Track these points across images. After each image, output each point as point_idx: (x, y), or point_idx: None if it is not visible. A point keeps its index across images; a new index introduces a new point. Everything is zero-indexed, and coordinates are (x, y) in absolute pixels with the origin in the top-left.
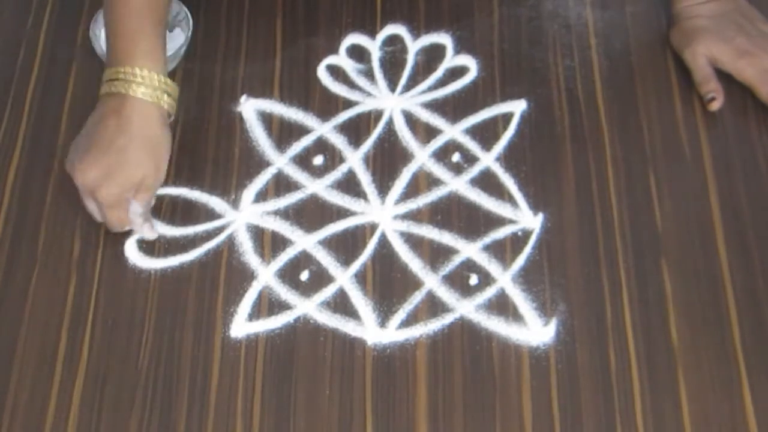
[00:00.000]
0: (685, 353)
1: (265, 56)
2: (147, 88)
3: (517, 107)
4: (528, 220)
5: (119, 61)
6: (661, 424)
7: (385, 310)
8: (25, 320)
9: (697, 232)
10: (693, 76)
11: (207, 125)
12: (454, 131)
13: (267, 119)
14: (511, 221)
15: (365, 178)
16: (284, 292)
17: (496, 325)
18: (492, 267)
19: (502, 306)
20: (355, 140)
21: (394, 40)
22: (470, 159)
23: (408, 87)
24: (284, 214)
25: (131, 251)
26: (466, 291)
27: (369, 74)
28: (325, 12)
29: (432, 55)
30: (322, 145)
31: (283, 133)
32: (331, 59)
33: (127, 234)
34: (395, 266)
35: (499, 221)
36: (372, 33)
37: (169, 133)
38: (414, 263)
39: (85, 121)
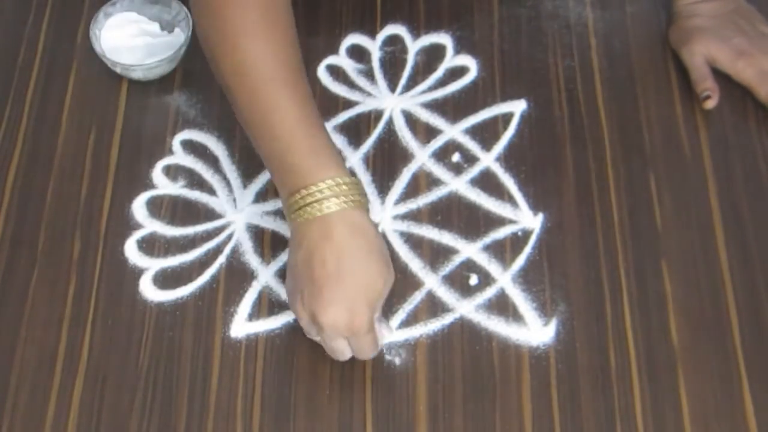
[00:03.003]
0: (685, 353)
1: None
2: (344, 197)
3: (517, 107)
4: (528, 220)
5: (304, 183)
6: (661, 424)
7: (385, 310)
8: (25, 320)
9: (697, 232)
10: (690, 74)
11: (207, 125)
12: (454, 131)
13: None
14: (511, 221)
15: (365, 178)
16: (284, 292)
17: (496, 325)
18: (492, 267)
19: (502, 306)
20: (355, 140)
21: (394, 40)
22: (470, 159)
23: (408, 87)
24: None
25: (131, 251)
26: (466, 291)
27: (369, 74)
28: (325, 12)
29: (432, 55)
30: None
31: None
32: (331, 59)
33: (127, 234)
34: (395, 266)
35: (499, 221)
36: (372, 33)
37: (376, 226)
38: (414, 263)
39: (84, 120)
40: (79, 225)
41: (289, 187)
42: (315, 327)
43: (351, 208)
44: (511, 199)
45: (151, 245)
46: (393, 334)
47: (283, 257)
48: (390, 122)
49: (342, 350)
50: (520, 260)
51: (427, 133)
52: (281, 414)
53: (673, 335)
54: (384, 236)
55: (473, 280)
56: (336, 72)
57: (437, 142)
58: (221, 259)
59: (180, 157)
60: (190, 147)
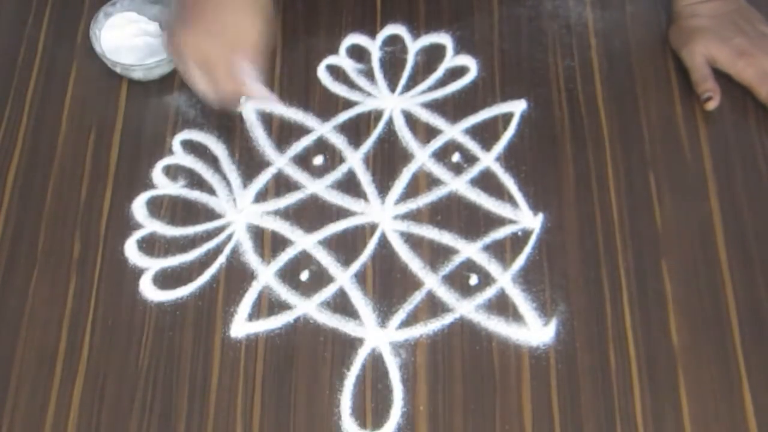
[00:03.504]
0: (685, 354)
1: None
2: None
3: (517, 107)
4: (528, 220)
5: None
6: (661, 424)
7: (385, 310)
8: (25, 320)
9: (697, 232)
10: (690, 75)
11: (207, 125)
12: (454, 131)
13: (267, 119)
14: (511, 221)
15: (365, 178)
16: (284, 292)
17: (496, 325)
18: (492, 267)
19: (502, 306)
20: (355, 140)
21: (394, 40)
22: (470, 159)
23: (408, 87)
24: (284, 214)
25: (131, 251)
26: (466, 291)
27: (369, 74)
28: (325, 12)
29: (432, 55)
30: (322, 145)
31: (283, 133)
32: (331, 59)
33: (127, 234)
34: (395, 266)
35: (499, 221)
36: (372, 33)
37: None
38: (414, 263)
39: (85, 120)
40: (79, 225)
41: None
42: (178, 55)
43: None
44: (511, 199)
45: (151, 245)
46: (276, 101)
47: (283, 257)
48: (390, 122)
49: (203, 89)
50: (520, 260)
51: (427, 133)
52: (281, 414)
53: (673, 335)
54: (384, 236)
55: (473, 280)
56: (336, 72)
57: (437, 142)
58: (221, 259)
59: (180, 157)
60: (190, 147)
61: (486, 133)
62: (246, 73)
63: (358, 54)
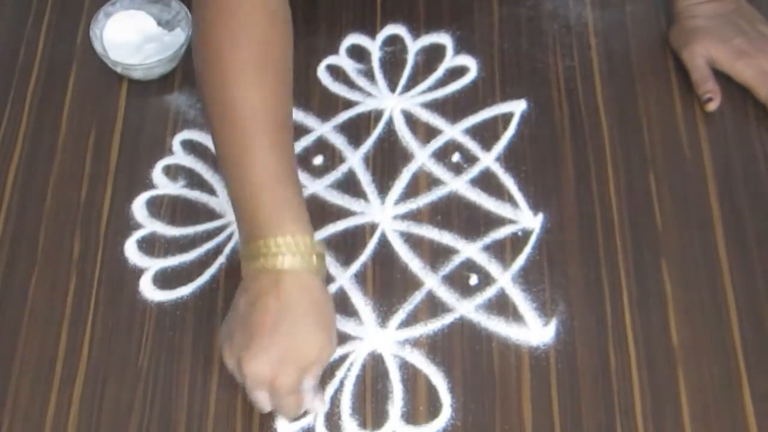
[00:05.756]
0: (685, 353)
1: None
2: (300, 257)
3: (517, 107)
4: (528, 220)
5: (263, 233)
6: (661, 424)
7: (385, 310)
8: (25, 320)
9: (697, 232)
10: (690, 75)
11: (207, 125)
12: (454, 131)
13: None
14: (511, 221)
15: (365, 178)
16: None
17: (496, 325)
18: (492, 267)
19: (502, 306)
20: (355, 140)
21: (394, 40)
22: (470, 159)
23: (408, 87)
24: None
25: (131, 251)
26: (466, 291)
27: (369, 74)
28: (325, 12)
29: (432, 55)
30: (322, 145)
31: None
32: (331, 59)
33: (127, 234)
34: (395, 266)
35: (499, 221)
36: (372, 33)
37: (329, 295)
38: (414, 263)
39: (85, 120)
40: (79, 225)
41: (248, 234)
42: (239, 374)
43: (305, 270)
44: (511, 199)
45: (151, 245)
46: (325, 407)
47: None
48: (390, 122)
49: (261, 403)
50: (520, 260)
51: (427, 133)
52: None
53: (673, 335)
54: (384, 236)
55: (473, 280)
56: (336, 72)
57: (437, 142)
58: (221, 259)
59: (180, 157)
60: (190, 147)
61: (486, 133)
62: (307, 389)
63: (358, 54)
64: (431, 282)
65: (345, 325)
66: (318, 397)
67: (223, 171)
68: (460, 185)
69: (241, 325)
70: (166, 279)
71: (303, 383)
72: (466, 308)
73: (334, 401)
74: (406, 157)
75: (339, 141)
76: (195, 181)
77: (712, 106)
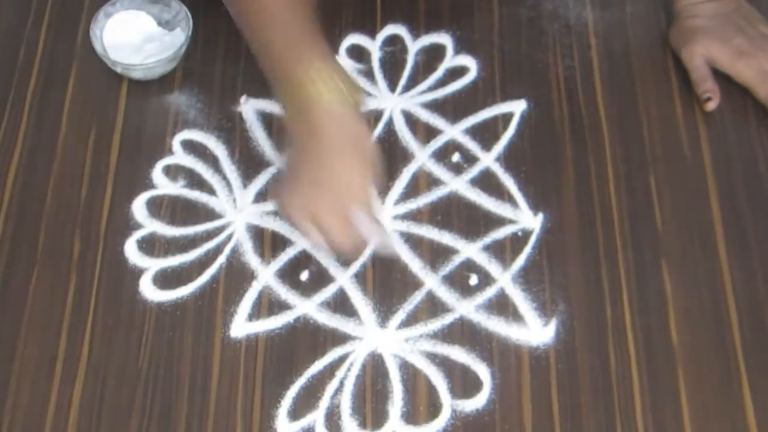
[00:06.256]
0: (685, 353)
1: None
2: (329, 90)
3: (517, 107)
4: (528, 220)
5: (291, 73)
6: (661, 424)
7: (385, 310)
8: (25, 320)
9: (697, 232)
10: (690, 75)
11: (207, 125)
12: (454, 131)
13: (267, 119)
14: (511, 221)
15: None
16: (284, 292)
17: (496, 325)
18: (492, 267)
19: (502, 306)
20: None
21: (394, 40)
22: (470, 159)
23: (408, 87)
24: None
25: (131, 251)
26: (466, 291)
27: (369, 74)
28: (325, 12)
29: (432, 55)
30: None
31: (283, 133)
32: None
33: (127, 234)
34: (395, 266)
35: (499, 221)
36: (372, 33)
37: (366, 125)
38: (414, 263)
39: (85, 120)
40: (79, 225)
41: (280, 72)
42: (282, 214)
43: (340, 101)
44: (511, 199)
45: (151, 245)
46: (387, 238)
47: (283, 257)
48: (390, 122)
49: (320, 244)
50: (520, 260)
51: (427, 133)
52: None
53: (673, 335)
54: None
55: (473, 280)
56: None
57: (437, 142)
58: (221, 259)
59: (180, 157)
60: (190, 147)
61: (486, 133)
62: (360, 221)
63: (358, 54)
64: (431, 282)
65: (345, 325)
66: (381, 230)
67: (245, 18)
68: (460, 185)
69: (286, 171)
70: (166, 279)
71: (356, 219)
72: (466, 308)
73: (334, 401)
74: (406, 157)
75: None
76: (195, 181)
77: (711, 106)
